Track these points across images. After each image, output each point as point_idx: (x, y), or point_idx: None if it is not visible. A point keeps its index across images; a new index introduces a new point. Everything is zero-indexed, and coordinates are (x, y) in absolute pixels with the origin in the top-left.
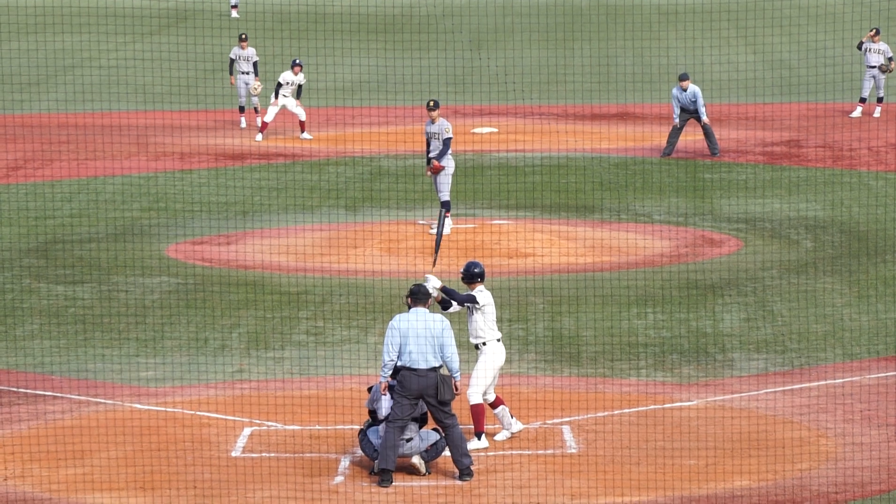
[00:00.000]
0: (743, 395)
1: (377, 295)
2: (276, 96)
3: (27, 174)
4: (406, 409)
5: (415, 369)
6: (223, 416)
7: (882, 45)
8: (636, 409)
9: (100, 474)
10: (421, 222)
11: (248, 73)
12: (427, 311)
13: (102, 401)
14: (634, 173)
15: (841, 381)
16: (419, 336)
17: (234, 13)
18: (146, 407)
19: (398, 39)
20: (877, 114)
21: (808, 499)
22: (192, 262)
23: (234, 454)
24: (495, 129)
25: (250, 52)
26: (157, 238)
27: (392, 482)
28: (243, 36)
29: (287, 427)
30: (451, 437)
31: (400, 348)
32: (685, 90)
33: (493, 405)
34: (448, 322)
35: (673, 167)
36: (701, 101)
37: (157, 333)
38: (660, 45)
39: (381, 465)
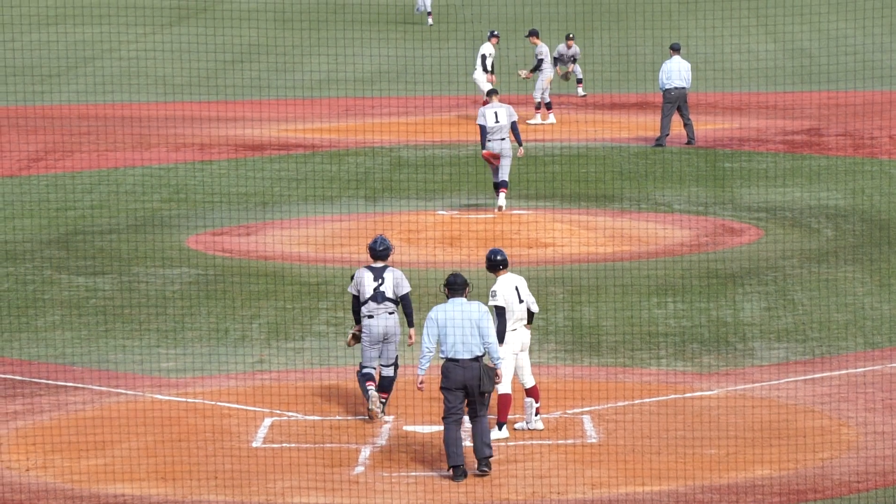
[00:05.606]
0: (764, 384)
1: None
2: (487, 70)
3: (48, 165)
4: (456, 399)
5: (458, 360)
6: (244, 407)
7: (574, 49)
8: (656, 399)
9: (121, 465)
10: (441, 213)
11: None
12: (465, 300)
13: (123, 391)
14: (654, 162)
15: (862, 370)
16: (457, 326)
17: (430, 20)
18: (167, 398)
19: (417, 29)
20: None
21: (830, 488)
22: (212, 252)
23: (254, 444)
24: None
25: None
26: (178, 229)
27: (466, 475)
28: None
29: (307, 417)
30: (477, 425)
31: (441, 339)
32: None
33: (528, 392)
34: (486, 308)
35: (693, 156)
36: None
37: (177, 324)
38: (679, 34)
39: (451, 462)
